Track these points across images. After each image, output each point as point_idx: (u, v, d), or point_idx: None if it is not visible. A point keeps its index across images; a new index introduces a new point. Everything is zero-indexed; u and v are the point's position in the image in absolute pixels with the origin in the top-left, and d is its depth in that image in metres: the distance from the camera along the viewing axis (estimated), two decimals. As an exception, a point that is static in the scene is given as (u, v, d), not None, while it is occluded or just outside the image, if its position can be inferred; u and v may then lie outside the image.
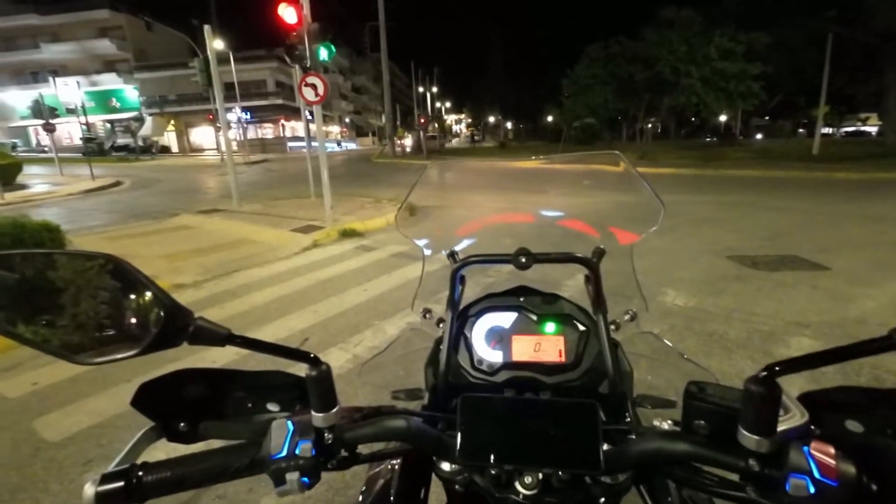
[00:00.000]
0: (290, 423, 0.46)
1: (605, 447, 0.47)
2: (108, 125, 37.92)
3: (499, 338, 0.68)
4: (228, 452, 0.46)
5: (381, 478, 0.67)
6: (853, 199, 8.64)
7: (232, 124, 27.87)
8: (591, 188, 0.91)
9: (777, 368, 0.37)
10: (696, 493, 0.57)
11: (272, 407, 0.53)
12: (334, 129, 48.57)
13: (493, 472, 0.51)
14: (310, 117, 8.69)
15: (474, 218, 0.93)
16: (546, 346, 0.66)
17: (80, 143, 28.91)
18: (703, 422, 0.43)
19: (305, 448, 0.44)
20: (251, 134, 36.04)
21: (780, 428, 0.39)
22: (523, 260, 0.62)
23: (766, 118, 42.52)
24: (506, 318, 0.69)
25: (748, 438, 0.38)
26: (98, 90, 36.59)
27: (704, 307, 3.51)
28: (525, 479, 0.50)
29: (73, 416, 2.41)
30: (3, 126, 36.54)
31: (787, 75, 21.24)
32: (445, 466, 0.56)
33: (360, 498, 0.66)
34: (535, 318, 0.68)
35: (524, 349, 0.66)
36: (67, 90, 28.13)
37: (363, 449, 0.50)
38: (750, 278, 4.18)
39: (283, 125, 38.71)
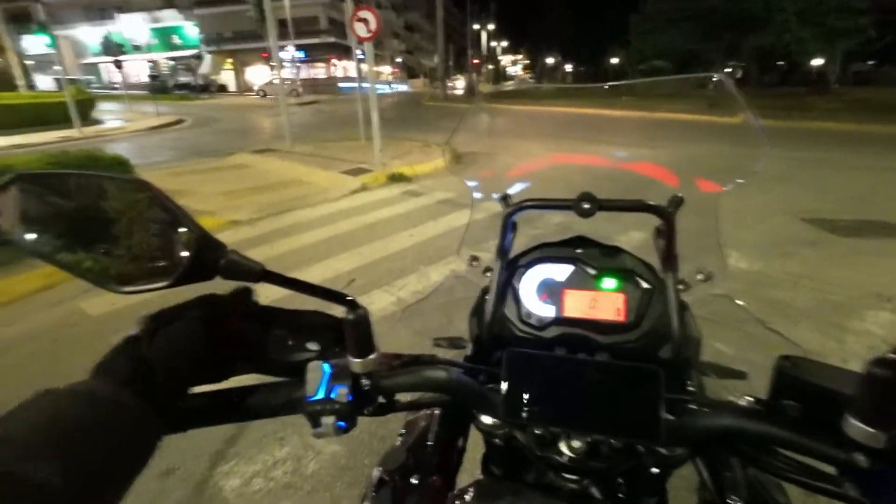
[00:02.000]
0: (326, 365, 0.45)
1: (666, 416, 0.43)
2: (171, 63, 39.08)
3: (550, 291, 0.63)
4: (266, 390, 0.46)
5: (420, 424, 0.67)
6: (966, 160, 7.52)
7: (285, 63, 27.92)
8: (671, 139, 0.80)
9: None
10: (761, 474, 0.52)
11: (311, 346, 0.52)
12: (385, 70, 47.53)
13: (537, 431, 0.49)
14: (361, 56, 8.48)
15: (530, 158, 0.85)
16: (603, 302, 0.60)
17: (146, 80, 30.19)
18: (794, 402, 0.38)
19: (342, 392, 0.43)
20: (303, 74, 35.99)
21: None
22: (587, 206, 0.55)
23: (870, 63, 36.93)
24: (559, 271, 0.63)
25: (859, 429, 0.33)
26: (160, 27, 37.44)
27: (769, 272, 3.26)
28: (572, 443, 0.47)
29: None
30: (77, 63, 38.57)
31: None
32: (486, 420, 0.54)
33: (399, 442, 0.66)
34: (592, 272, 0.62)
35: (578, 305, 0.61)
36: (132, 27, 28.99)
37: (401, 397, 0.49)
38: (825, 243, 3.81)
39: (334, 65, 38.29)
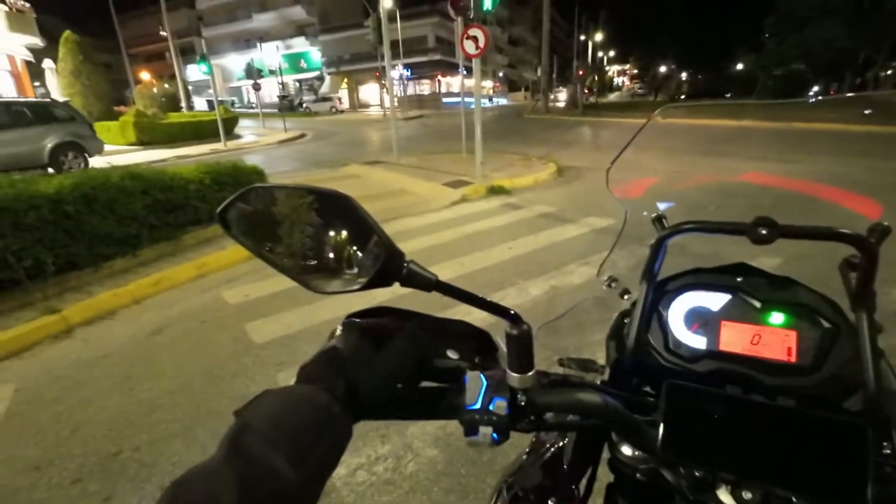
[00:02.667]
0: (484, 377, 0.46)
1: (860, 479, 0.37)
2: (297, 84, 43.94)
3: (703, 321, 0.58)
4: (430, 393, 0.48)
5: (548, 444, 0.66)
6: None
7: (395, 81, 29.80)
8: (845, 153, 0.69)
9: None
10: None
11: (452, 354, 0.54)
12: (487, 84, 48.37)
13: (697, 473, 0.45)
14: (466, 72, 8.73)
15: (691, 174, 0.79)
16: (769, 339, 0.54)
17: (276, 99, 34.22)
18: None
19: (500, 405, 0.43)
20: (410, 90, 38.08)
21: None
22: (764, 232, 0.49)
23: None
24: (715, 300, 0.58)
25: None
26: (291, 52, 42.40)
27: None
28: (742, 493, 0.43)
29: (272, 326, 2.98)
30: (225, 86, 45.14)
31: None
32: (627, 451, 0.51)
33: (525, 459, 0.66)
34: (756, 304, 0.56)
35: (736, 339, 0.56)
36: (268, 54, 33.23)
37: (551, 415, 0.49)
38: None
39: (438, 81, 39.93)
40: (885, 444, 0.48)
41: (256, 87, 19.75)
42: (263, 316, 3.12)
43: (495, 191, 6.41)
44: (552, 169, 7.66)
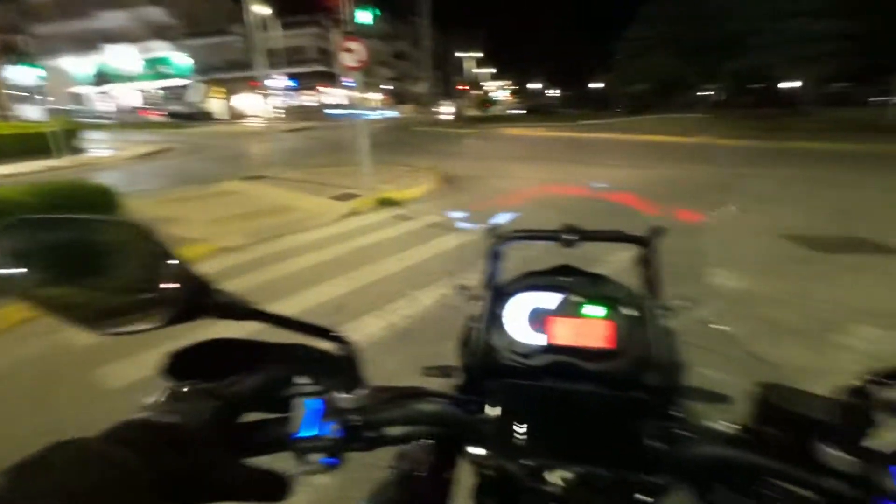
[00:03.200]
0: (314, 401, 0.44)
1: (655, 445, 0.43)
2: (160, 91, 39.43)
3: (539, 319, 0.63)
4: (250, 428, 0.45)
5: (409, 457, 0.66)
6: (937, 177, 7.80)
7: (277, 91, 28.30)
8: (645, 158, 0.82)
9: (879, 379, 0.31)
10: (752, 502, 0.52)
11: (298, 380, 0.52)
12: (375, 97, 48.39)
13: (526, 462, 0.48)
14: (350, 84, 8.65)
15: (517, 190, 0.87)
16: (590, 330, 0.61)
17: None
18: (772, 429, 0.39)
19: (330, 428, 0.42)
20: (294, 101, 36.50)
21: (869, 444, 0.34)
22: (571, 237, 0.56)
23: (842, 85, 38.46)
24: (548, 299, 0.64)
25: (831, 455, 0.34)
26: (150, 56, 37.87)
27: (756, 290, 3.30)
28: (562, 474, 0.47)
29: (132, 367, 2.59)
30: (62, 91, 38.72)
31: (873, 37, 18.96)
32: (475, 451, 0.53)
33: (389, 475, 0.65)
34: (580, 299, 0.63)
35: (566, 332, 0.62)
36: (121, 57, 29.34)
37: (391, 430, 0.49)
38: (810, 261, 3.88)
39: (323, 92, 38.93)
40: (675, 409, 0.57)
41: (106, 94, 17.26)
42: (121, 357, 2.70)
43: (385, 203, 6.40)
44: (440, 179, 7.90)
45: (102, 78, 17.52)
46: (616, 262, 3.11)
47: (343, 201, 6.41)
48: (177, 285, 0.38)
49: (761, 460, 0.38)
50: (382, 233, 5.13)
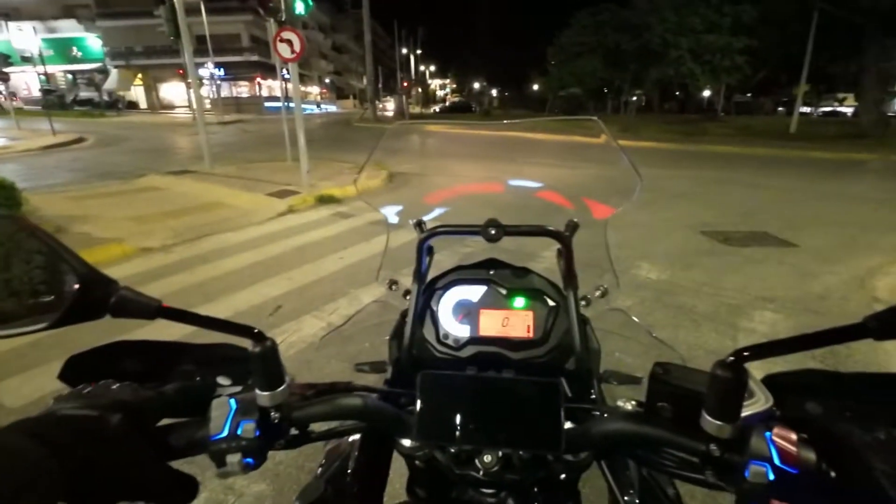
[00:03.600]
0: (232, 401, 0.43)
1: (568, 426, 0.46)
2: (70, 76, 35.59)
3: (466, 311, 0.66)
4: (167, 432, 0.43)
5: (340, 452, 0.66)
6: (826, 179, 8.87)
7: (204, 81, 26.53)
8: (572, 158, 0.88)
9: (745, 354, 0.36)
10: (657, 473, 0.57)
11: (223, 381, 0.50)
12: (314, 90, 46.78)
13: (452, 450, 0.50)
14: (286, 76, 8.30)
15: (445, 187, 0.89)
16: (514, 321, 0.64)
17: (38, 94, 27.16)
18: (666, 404, 0.42)
19: (248, 428, 0.41)
20: (225, 92, 34.39)
21: (744, 413, 0.38)
22: (493, 232, 0.59)
23: (749, 95, 42.76)
24: (474, 292, 0.67)
25: (710, 423, 0.37)
26: (57, 37, 34.07)
27: (676, 280, 3.59)
28: (485, 458, 0.49)
29: (34, 382, 2.34)
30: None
31: (771, 51, 21.24)
32: (406, 442, 0.54)
33: (319, 472, 0.64)
34: (504, 292, 0.66)
35: (492, 324, 0.64)
36: (22, 36, 26.08)
37: (317, 427, 0.48)
38: (721, 253, 4.27)
39: (259, 84, 37.05)
40: (591, 391, 0.61)
41: (3, 78, 15.34)
42: (21, 371, 2.43)
43: (325, 200, 6.23)
44: (383, 175, 7.81)
45: (1, 59, 15.50)
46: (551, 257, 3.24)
47: (280, 198, 6.15)
48: (69, 282, 0.35)
49: (654, 432, 0.42)
50: (322, 231, 5.00)
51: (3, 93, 18.85)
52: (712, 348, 2.62)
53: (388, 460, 0.66)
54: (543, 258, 3.07)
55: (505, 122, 1.05)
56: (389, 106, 36.78)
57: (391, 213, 0.83)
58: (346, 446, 0.67)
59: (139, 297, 0.37)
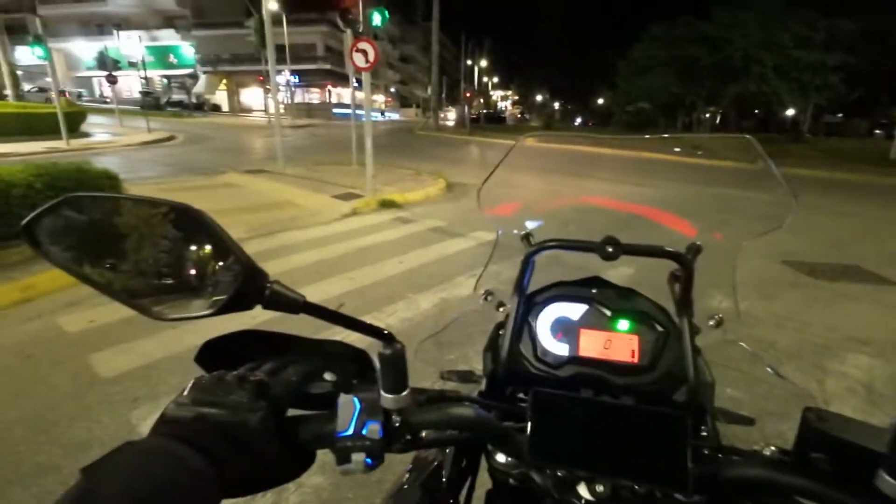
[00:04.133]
0: (357, 400, 0.44)
1: (689, 463, 0.43)
2: (165, 80, 39.30)
3: (566, 330, 0.64)
4: (295, 423, 0.45)
5: (429, 460, 0.66)
6: (931, 211, 7.91)
7: (280, 87, 28.29)
8: (648, 179, 0.83)
9: None
10: None
11: (329, 377, 0.52)
12: (379, 99, 48.48)
13: (559, 473, 0.48)
14: (357, 85, 8.67)
15: (552, 197, 0.87)
16: (618, 343, 0.61)
17: (139, 96, 30.23)
18: (823, 455, 0.38)
19: (373, 429, 0.42)
20: (298, 98, 36.55)
21: None
22: (610, 249, 0.56)
23: (839, 115, 39.14)
24: (575, 310, 0.65)
25: (890, 485, 0.33)
26: (157, 45, 37.82)
27: (753, 313, 3.33)
28: (595, 487, 0.46)
29: (125, 356, 2.56)
30: (70, 75, 38.50)
31: (870, 69, 19.34)
32: (501, 458, 0.53)
33: (406, 477, 0.65)
34: (607, 312, 0.63)
35: (593, 345, 0.62)
36: (129, 44, 29.28)
37: (425, 433, 0.48)
38: (806, 286, 3.92)
39: (329, 91, 38.99)
40: (702, 427, 0.57)
41: (111, 80, 17.20)
42: (114, 345, 2.67)
43: (386, 205, 6.41)
44: (442, 184, 7.92)
45: (110, 64, 17.44)
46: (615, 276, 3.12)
47: (345, 200, 6.40)
48: (232, 272, 0.37)
49: (810, 485, 0.38)
50: (383, 234, 5.13)
51: (110, 95, 21.14)
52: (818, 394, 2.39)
53: (476, 472, 0.65)
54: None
55: (647, 136, 0.94)
56: (451, 115, 37.26)
57: (499, 221, 0.82)
58: (434, 454, 0.67)
59: (289, 292, 0.39)
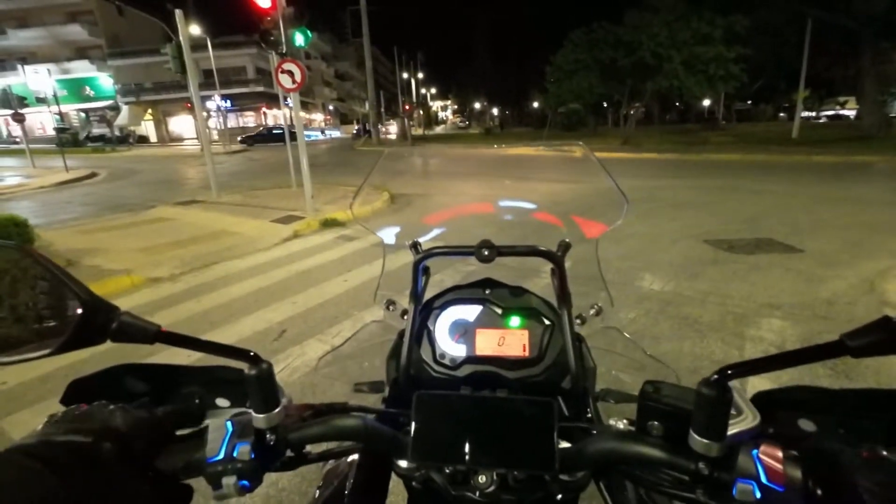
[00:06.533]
0: (228, 423, 0.44)
1: (563, 445, 0.46)
2: (83, 114, 36.70)
3: (463, 331, 0.67)
4: (161, 454, 0.44)
5: (338, 473, 0.66)
6: (830, 182, 8.82)
7: (211, 112, 27.20)
8: (572, 176, 0.90)
9: (729, 372, 0.36)
10: (655, 493, 0.57)
11: (222, 403, 0.51)
12: (318, 117, 47.74)
13: (448, 470, 0.50)
14: (289, 104, 8.52)
15: (439, 209, 0.92)
16: (510, 340, 0.65)
17: (53, 133, 28.03)
18: (656, 422, 0.41)
19: (244, 450, 0.42)
20: (232, 122, 35.30)
21: (731, 431, 0.38)
22: (486, 252, 0.60)
23: (748, 102, 42.90)
24: (470, 311, 0.68)
25: (698, 442, 0.37)
26: (70, 78, 35.26)
27: (680, 291, 3.56)
28: (479, 478, 0.48)
29: (41, 417, 2.36)
30: (-31, 116, 35.09)
31: (768, 59, 21.37)
32: (402, 463, 0.54)
33: (317, 494, 0.65)
34: (499, 311, 0.67)
35: (488, 343, 0.65)
36: (37, 78, 27.11)
37: (313, 448, 0.48)
38: (726, 262, 4.24)
39: (264, 113, 37.94)
40: (588, 409, 0.61)
41: (18, 119, 15.86)
42: (31, 405, 2.46)
43: (329, 224, 6.31)
44: (385, 198, 7.90)
45: (16, 102, 16.06)
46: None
47: (285, 224, 6.24)
48: (73, 309, 0.37)
49: (645, 450, 0.41)
50: (326, 254, 5.05)
51: (20, 134, 19.45)
52: (718, 359, 2.59)
53: (387, 481, 0.66)
54: (546, 273, 3.08)
55: (495, 146, 1.06)
56: (392, 129, 37.31)
57: (388, 234, 0.85)
58: (344, 468, 0.67)
59: (140, 322, 0.38)
